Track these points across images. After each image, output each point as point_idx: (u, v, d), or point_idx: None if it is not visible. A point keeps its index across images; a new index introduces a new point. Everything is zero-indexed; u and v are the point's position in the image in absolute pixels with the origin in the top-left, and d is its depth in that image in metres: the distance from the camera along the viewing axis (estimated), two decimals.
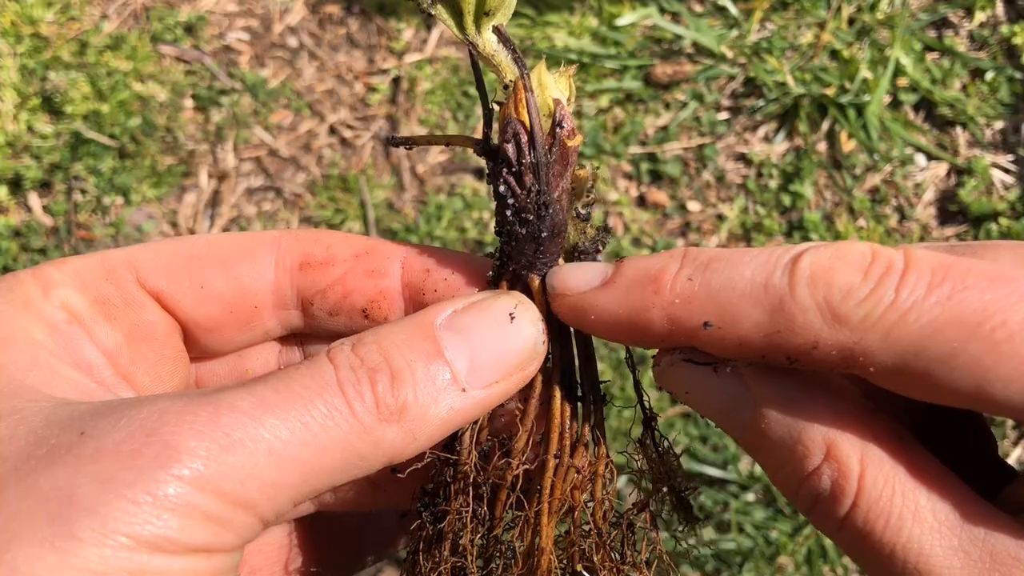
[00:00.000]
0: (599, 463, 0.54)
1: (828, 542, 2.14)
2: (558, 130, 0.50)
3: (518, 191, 0.50)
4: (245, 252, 0.55)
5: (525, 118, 0.49)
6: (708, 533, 2.08)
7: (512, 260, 0.52)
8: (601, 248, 0.56)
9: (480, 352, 0.49)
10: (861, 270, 0.44)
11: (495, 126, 0.52)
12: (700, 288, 0.46)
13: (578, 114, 2.64)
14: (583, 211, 0.55)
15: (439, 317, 0.50)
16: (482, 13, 0.50)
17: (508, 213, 0.51)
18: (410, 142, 0.55)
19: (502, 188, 0.51)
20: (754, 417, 0.47)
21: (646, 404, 0.57)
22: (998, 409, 0.44)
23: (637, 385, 0.57)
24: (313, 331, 0.59)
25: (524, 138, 0.50)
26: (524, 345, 0.51)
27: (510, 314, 0.51)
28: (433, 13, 0.51)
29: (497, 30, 0.51)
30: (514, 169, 0.50)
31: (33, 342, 0.49)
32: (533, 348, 0.52)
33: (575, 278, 0.51)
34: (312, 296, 0.56)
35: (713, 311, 0.46)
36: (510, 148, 0.50)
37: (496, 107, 0.52)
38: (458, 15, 0.50)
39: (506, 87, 0.51)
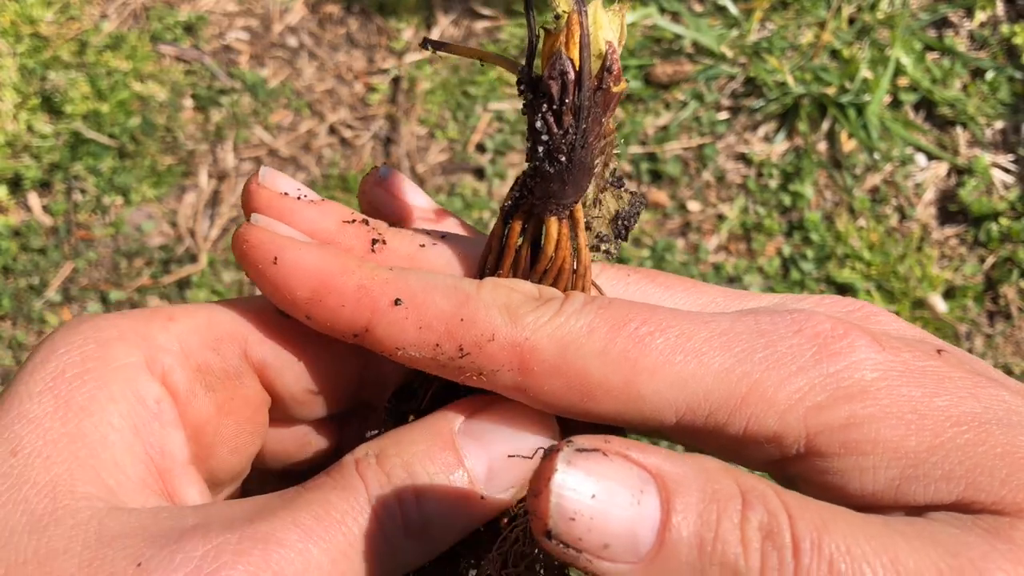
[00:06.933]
0: None
1: None
2: (605, 74, 0.49)
3: (555, 130, 0.49)
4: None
5: (575, 56, 0.48)
6: None
7: (533, 194, 0.52)
8: (641, 211, 0.56)
9: (499, 459, 0.51)
10: (533, 296, 0.50)
11: (539, 56, 0.50)
12: (398, 275, 0.50)
13: None
14: (613, 178, 0.54)
15: (457, 423, 0.51)
16: None
17: (540, 150, 0.50)
18: (444, 48, 0.53)
19: (539, 124, 0.49)
20: None
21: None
22: (648, 409, 0.47)
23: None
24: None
25: (571, 77, 0.48)
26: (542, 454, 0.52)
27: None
28: None
29: None
30: (555, 107, 0.49)
31: (110, 420, 0.49)
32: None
33: (280, 224, 0.53)
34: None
35: (406, 293, 0.49)
36: (555, 85, 0.48)
37: (543, 33, 0.50)
38: None
39: (557, 17, 0.49)
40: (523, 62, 0.51)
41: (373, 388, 0.58)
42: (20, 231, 2.53)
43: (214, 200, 2.58)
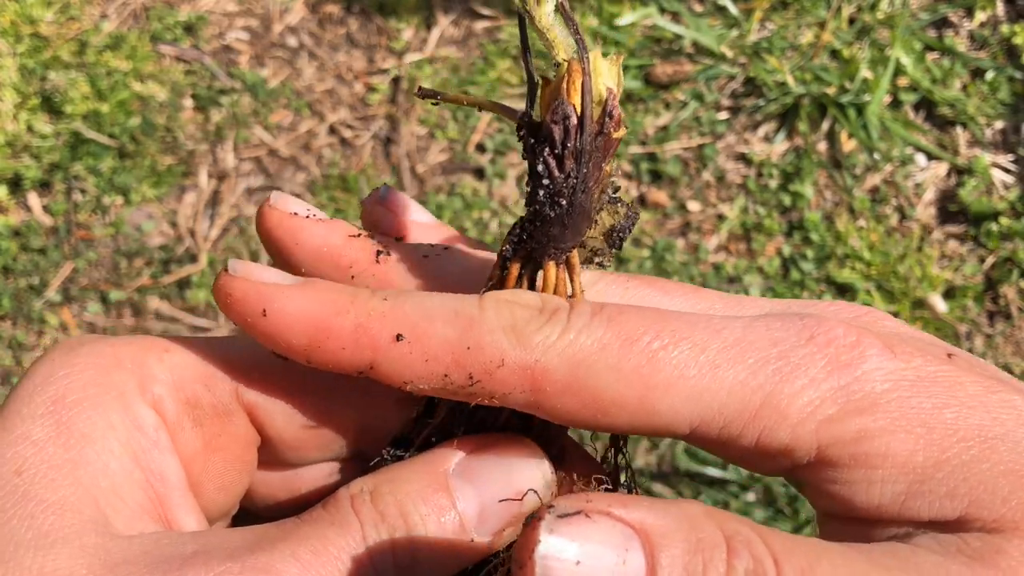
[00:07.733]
0: None
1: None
2: (606, 119, 0.50)
3: (556, 174, 0.50)
4: (345, 381, 0.55)
5: (577, 102, 0.49)
6: None
7: (533, 239, 0.52)
8: (634, 224, 0.56)
9: (490, 501, 0.51)
10: (536, 308, 0.49)
11: (539, 102, 0.51)
12: (395, 306, 0.49)
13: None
14: (613, 194, 0.55)
15: (452, 464, 0.51)
16: None
17: (541, 193, 0.50)
18: (439, 96, 0.53)
19: (540, 168, 0.50)
20: None
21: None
22: (662, 422, 0.47)
23: None
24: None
25: (573, 122, 0.49)
26: (532, 497, 0.52)
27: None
28: None
29: (561, 6, 0.49)
30: (556, 151, 0.49)
31: (110, 448, 0.49)
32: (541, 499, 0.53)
33: (261, 270, 0.52)
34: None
35: (406, 326, 0.48)
36: (557, 130, 0.49)
37: (541, 81, 0.51)
38: None
39: (557, 65, 0.50)
40: (520, 104, 0.51)
41: (371, 438, 0.58)
42: (20, 231, 2.53)
43: (214, 200, 2.58)
